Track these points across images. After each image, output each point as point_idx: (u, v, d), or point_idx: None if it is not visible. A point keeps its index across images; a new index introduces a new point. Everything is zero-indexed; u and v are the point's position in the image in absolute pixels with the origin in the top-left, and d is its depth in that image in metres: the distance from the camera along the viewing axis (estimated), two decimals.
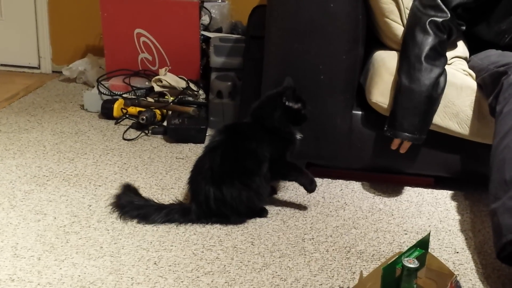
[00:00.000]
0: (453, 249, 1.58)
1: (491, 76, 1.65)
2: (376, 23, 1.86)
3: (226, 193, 1.60)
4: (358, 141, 1.87)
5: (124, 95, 2.53)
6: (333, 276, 1.43)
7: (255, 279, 1.40)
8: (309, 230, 1.64)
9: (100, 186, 1.85)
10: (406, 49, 1.73)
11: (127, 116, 2.43)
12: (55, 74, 3.14)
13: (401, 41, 1.77)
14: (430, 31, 1.69)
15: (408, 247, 1.28)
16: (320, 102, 1.80)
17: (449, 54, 1.79)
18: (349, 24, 1.76)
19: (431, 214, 1.77)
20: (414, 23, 1.73)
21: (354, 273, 1.44)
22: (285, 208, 1.77)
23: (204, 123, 2.31)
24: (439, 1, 1.71)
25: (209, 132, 2.31)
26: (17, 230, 1.57)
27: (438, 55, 1.71)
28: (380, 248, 1.56)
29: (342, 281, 1.41)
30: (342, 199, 1.85)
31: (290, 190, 1.87)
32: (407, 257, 1.19)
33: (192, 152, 2.17)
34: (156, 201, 1.70)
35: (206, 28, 2.76)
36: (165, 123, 2.37)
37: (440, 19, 1.70)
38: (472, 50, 1.88)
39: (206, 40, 2.64)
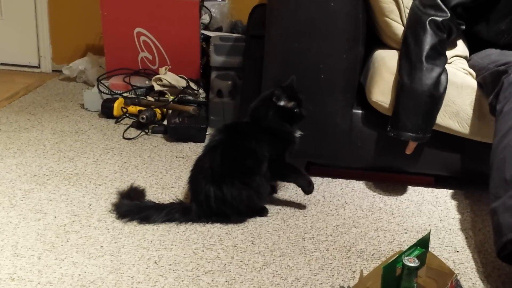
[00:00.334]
0: (453, 248, 1.58)
1: (492, 75, 1.65)
2: (376, 22, 1.86)
3: (226, 192, 1.60)
4: (358, 140, 1.87)
5: (124, 94, 2.53)
6: (333, 275, 1.43)
7: (256, 278, 1.40)
8: (309, 229, 1.64)
9: (100, 185, 1.85)
10: (407, 49, 1.73)
11: (127, 115, 2.43)
12: (55, 73, 3.14)
13: (401, 41, 1.77)
14: (430, 31, 1.69)
15: (409, 246, 1.28)
16: (320, 101, 1.80)
17: (449, 53, 1.79)
18: (349, 23, 1.76)
19: (431, 213, 1.77)
20: (414, 22, 1.73)
21: (354, 272, 1.44)
22: (285, 207, 1.77)
23: (204, 122, 2.31)
24: (439, 0, 1.71)
25: (209, 131, 2.31)
26: (17, 229, 1.57)
27: (438, 55, 1.71)
28: (380, 247, 1.56)
29: (342, 280, 1.41)
30: (342, 198, 1.85)
31: (290, 189, 1.87)
32: (407, 256, 1.19)
33: (192, 151, 2.17)
34: (155, 201, 1.70)
35: (206, 27, 2.75)
36: (165, 122, 2.37)
37: (440, 19, 1.70)
38: (472, 49, 1.88)
39: (206, 39, 2.64)
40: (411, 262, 1.16)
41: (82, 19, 3.05)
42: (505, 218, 1.35)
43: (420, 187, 1.94)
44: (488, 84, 1.67)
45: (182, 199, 1.75)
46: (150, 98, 2.47)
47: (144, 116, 2.31)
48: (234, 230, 1.62)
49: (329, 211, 1.76)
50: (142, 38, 2.65)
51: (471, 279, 1.44)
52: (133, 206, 1.64)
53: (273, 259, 1.48)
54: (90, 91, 2.60)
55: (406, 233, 1.65)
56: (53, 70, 3.19)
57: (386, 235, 1.63)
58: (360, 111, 1.86)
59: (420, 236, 1.61)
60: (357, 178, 1.98)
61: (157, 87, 2.49)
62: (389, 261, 1.20)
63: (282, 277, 1.41)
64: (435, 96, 1.70)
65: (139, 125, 2.34)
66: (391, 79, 1.76)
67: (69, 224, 1.61)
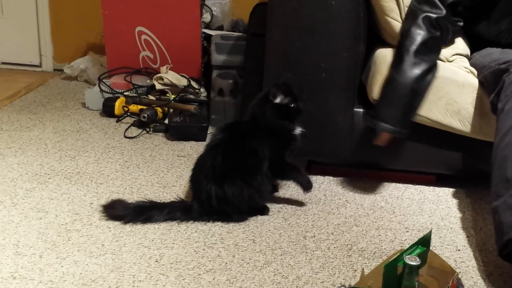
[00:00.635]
0: (454, 247, 1.58)
1: (493, 73, 1.65)
2: (377, 21, 1.86)
3: (228, 191, 1.60)
4: (359, 138, 1.87)
5: (125, 93, 2.53)
6: (334, 274, 1.43)
7: (257, 277, 1.40)
8: (310, 228, 1.64)
9: (101, 184, 1.85)
10: (399, 43, 1.74)
11: (129, 114, 2.44)
12: (57, 72, 3.15)
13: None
14: (423, 26, 1.70)
15: (410, 244, 1.28)
16: (321, 99, 1.80)
17: (450, 51, 1.79)
18: (351, 22, 1.76)
19: (432, 212, 1.77)
20: (408, 17, 1.75)
21: (355, 270, 1.44)
22: (287, 206, 1.77)
23: (205, 121, 2.31)
24: None
25: (210, 130, 2.31)
26: (19, 228, 1.57)
27: (428, 51, 1.71)
28: (381, 246, 1.56)
29: (343, 279, 1.41)
30: (343, 197, 1.85)
31: (292, 188, 1.86)
32: (408, 254, 1.19)
33: (194, 150, 2.17)
34: (155, 200, 1.70)
35: (207, 26, 2.76)
36: (166, 121, 2.37)
37: (434, 15, 1.70)
38: (474, 49, 1.87)
39: (207, 38, 2.64)
40: (412, 260, 1.16)
41: (83, 18, 3.06)
42: (506, 217, 1.35)
43: (421, 186, 1.94)
44: (490, 82, 1.67)
45: (184, 198, 1.75)
46: (151, 97, 2.47)
47: (146, 115, 2.31)
48: (235, 228, 1.62)
49: (330, 209, 1.76)
50: (143, 37, 2.65)
51: (472, 277, 1.44)
52: (134, 208, 1.63)
53: (274, 258, 1.48)
54: (92, 90, 2.60)
55: (407, 231, 1.65)
56: (54, 69, 3.19)
57: (387, 234, 1.63)
58: (361, 110, 1.86)
59: (421, 234, 1.61)
60: (358, 176, 1.98)
61: (158, 86, 2.49)
62: (390, 260, 1.20)
63: (283, 275, 1.41)
64: (416, 91, 1.70)
65: (140, 124, 2.34)
66: None
67: (70, 222, 1.61)
